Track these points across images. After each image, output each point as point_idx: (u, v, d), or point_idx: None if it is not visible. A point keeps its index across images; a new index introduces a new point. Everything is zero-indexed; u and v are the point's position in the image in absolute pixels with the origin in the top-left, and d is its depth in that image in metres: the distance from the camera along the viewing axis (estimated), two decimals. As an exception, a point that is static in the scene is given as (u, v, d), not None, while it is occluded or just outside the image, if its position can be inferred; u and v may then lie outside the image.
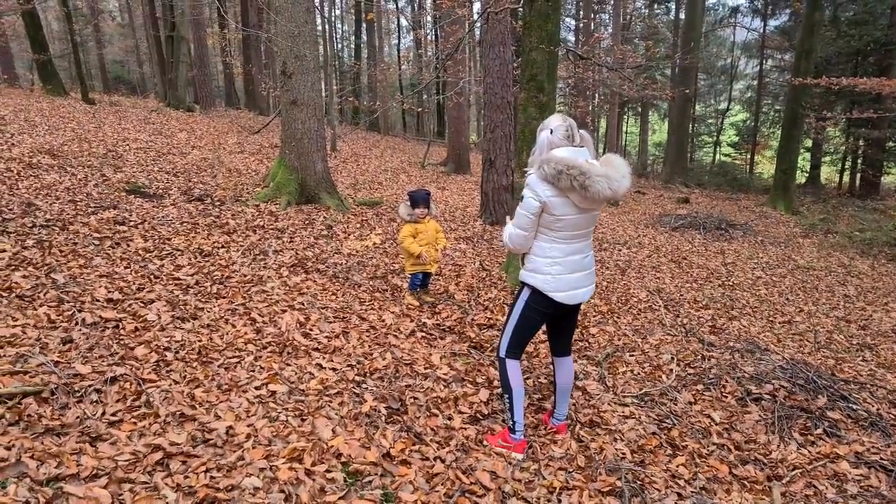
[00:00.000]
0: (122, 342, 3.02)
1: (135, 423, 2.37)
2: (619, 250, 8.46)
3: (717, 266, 8.26)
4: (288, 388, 2.87)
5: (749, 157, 28.40)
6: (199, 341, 3.19)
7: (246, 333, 3.39)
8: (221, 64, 25.61)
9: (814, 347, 4.98)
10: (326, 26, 18.05)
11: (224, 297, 3.87)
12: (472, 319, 4.44)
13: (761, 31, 25.94)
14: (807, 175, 22.09)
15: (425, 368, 3.42)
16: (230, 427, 2.45)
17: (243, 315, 3.65)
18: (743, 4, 26.63)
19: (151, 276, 3.98)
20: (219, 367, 2.97)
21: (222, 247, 4.96)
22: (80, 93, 14.02)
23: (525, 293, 2.75)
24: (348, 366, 3.26)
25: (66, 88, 15.33)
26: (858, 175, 22.25)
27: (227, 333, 3.35)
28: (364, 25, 26.43)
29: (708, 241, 10.15)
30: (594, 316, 5.10)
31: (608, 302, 5.65)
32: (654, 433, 3.02)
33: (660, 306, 5.68)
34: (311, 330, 3.63)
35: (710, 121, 31.94)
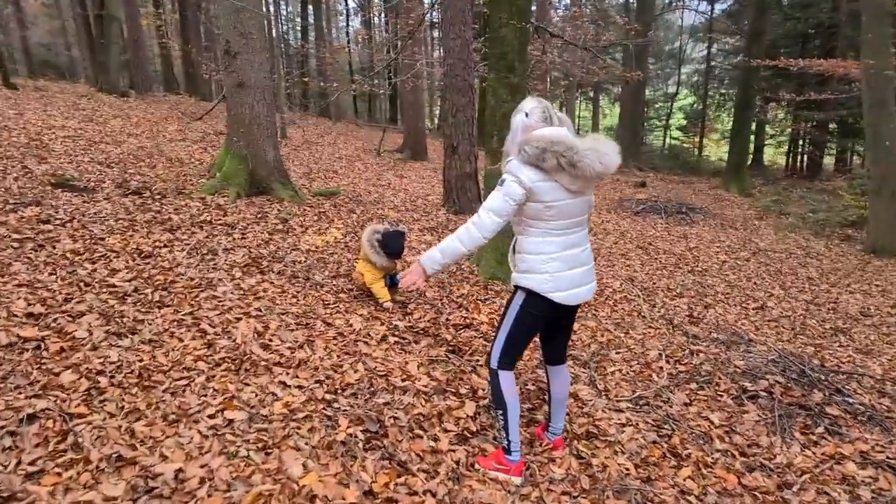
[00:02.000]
0: (44, 367, 2.55)
1: (59, 475, 1.95)
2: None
3: (682, 251, 8.20)
4: (247, 414, 2.48)
5: (698, 139, 29.06)
6: (140, 361, 2.75)
7: (195, 349, 2.96)
8: (158, 47, 24.21)
9: (791, 335, 4.89)
10: (271, 6, 17.18)
11: (168, 306, 3.41)
12: (447, 319, 4.12)
13: (709, 14, 26.35)
14: (751, 157, 22.69)
15: (403, 380, 3.07)
16: (179, 470, 2.05)
17: (192, 326, 3.21)
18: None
19: (81, 284, 3.47)
20: (164, 392, 2.55)
21: (164, 246, 4.45)
22: (1, 77, 12.85)
23: (519, 297, 2.42)
24: (316, 382, 2.88)
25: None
26: (802, 157, 23.06)
27: (174, 349, 2.92)
28: (311, 6, 25.42)
29: (670, 226, 10.13)
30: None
31: (582, 293, 5.43)
32: (654, 442, 2.78)
33: (636, 296, 5.50)
34: (270, 340, 3.23)
35: (657, 105, 32.42)
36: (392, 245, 4.05)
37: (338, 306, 3.98)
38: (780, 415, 3.09)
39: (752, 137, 24.30)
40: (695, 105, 31.26)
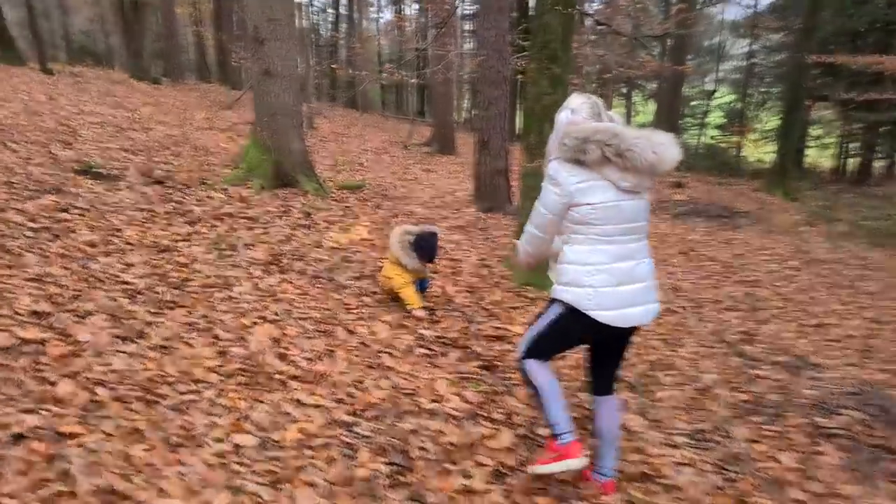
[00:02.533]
0: (40, 375, 2.32)
1: (38, 511, 1.69)
2: (623, 240, 7.88)
3: (728, 258, 7.73)
4: (258, 439, 2.20)
5: (735, 139, 28.09)
6: (146, 370, 2.50)
7: (207, 357, 2.71)
8: (193, 35, 24.32)
9: (858, 358, 4.45)
10: (304, -6, 17.01)
11: (182, 307, 3.17)
12: (478, 330, 3.80)
13: (752, 9, 25.36)
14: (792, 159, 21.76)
15: (431, 401, 2.77)
16: (177, 509, 1.79)
17: (204, 331, 2.96)
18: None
19: (93, 279, 3.25)
20: (168, 408, 2.29)
21: (183, 240, 4.22)
22: (39, 62, 12.90)
23: (555, 310, 2.15)
24: (336, 400, 2.60)
25: (26, 58, 14.17)
26: (849, 160, 22.04)
27: (183, 358, 2.67)
28: (344, -3, 25.28)
29: (713, 230, 9.63)
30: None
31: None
32: (719, 488, 2.43)
33: (682, 308, 5.11)
34: (287, 349, 2.96)
35: (693, 102, 31.43)
36: (426, 247, 3.76)
37: (361, 311, 3.70)
38: (862, 459, 2.71)
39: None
40: (733, 103, 30.20)
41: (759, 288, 6.44)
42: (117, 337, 2.70)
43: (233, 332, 2.99)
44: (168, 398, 2.35)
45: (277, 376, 2.67)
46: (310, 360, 2.91)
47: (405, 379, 2.94)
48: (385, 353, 3.20)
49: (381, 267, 4.10)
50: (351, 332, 3.36)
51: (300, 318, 3.36)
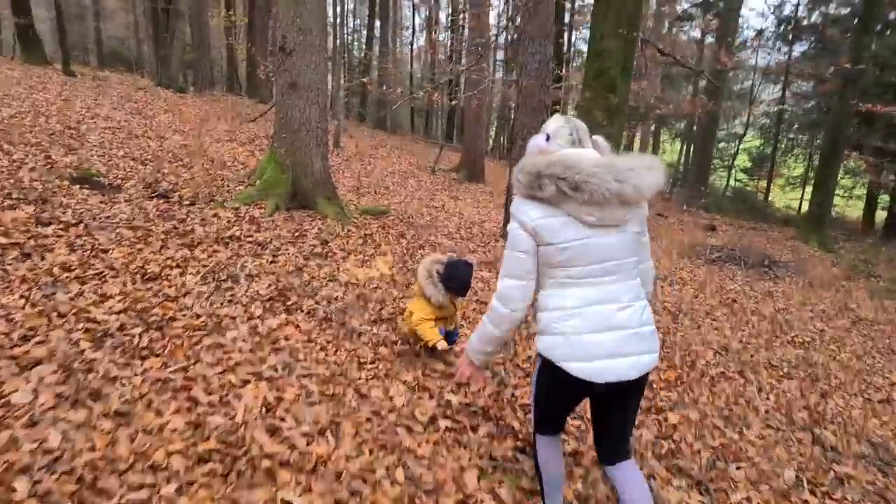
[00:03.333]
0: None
1: None
2: (662, 287, 7.23)
3: (771, 313, 7.03)
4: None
5: (761, 183, 27.42)
6: (90, 450, 1.92)
7: (176, 430, 2.12)
8: (226, 49, 24.36)
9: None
10: (338, 8, 16.80)
11: (157, 356, 2.60)
12: (513, 395, 3.19)
13: (786, 55, 24.79)
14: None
15: (458, 502, 2.16)
16: None
17: (180, 391, 2.38)
18: (768, 29, 25.43)
19: (54, 314, 2.70)
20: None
21: (176, 266, 3.68)
22: (61, 63, 12.72)
23: (538, 365, 1.98)
24: (336, 502, 1.99)
25: (52, 59, 14.06)
26: (873, 211, 21.16)
27: (145, 430, 2.08)
28: (378, 20, 25.20)
29: (751, 280, 8.93)
30: (660, 386, 3.86)
31: (672, 363, 4.41)
32: None
33: (737, 374, 4.44)
34: (282, 421, 2.37)
35: (721, 145, 30.78)
36: (457, 277, 3.13)
37: (376, 367, 3.10)
38: None
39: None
40: (761, 148, 29.75)
41: (812, 351, 5.75)
42: (65, 398, 2.13)
43: (216, 394, 2.41)
44: (110, 498, 1.76)
45: (265, 462, 2.07)
46: (308, 436, 2.31)
47: (426, 467, 2.33)
48: (402, 426, 2.59)
49: (404, 310, 3.50)
50: (363, 397, 2.76)
51: (303, 376, 2.77)
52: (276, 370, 2.74)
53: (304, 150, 5.73)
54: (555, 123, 1.94)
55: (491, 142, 29.73)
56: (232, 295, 3.48)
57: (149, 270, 3.47)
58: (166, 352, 2.62)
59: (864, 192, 21.57)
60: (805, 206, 25.89)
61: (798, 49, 25.45)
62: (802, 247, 13.42)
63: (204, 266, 3.79)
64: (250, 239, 4.58)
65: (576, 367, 1.77)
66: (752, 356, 5.12)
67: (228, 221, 4.90)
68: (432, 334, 3.12)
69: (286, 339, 3.11)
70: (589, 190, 1.70)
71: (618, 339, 1.79)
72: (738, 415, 3.70)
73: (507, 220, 7.46)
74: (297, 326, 3.31)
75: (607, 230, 1.79)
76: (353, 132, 17.35)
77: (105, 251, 3.61)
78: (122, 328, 2.71)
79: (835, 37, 17.97)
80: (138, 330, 2.72)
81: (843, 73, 12.48)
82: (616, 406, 1.95)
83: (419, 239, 6.28)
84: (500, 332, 1.97)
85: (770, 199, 27.24)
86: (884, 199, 20.62)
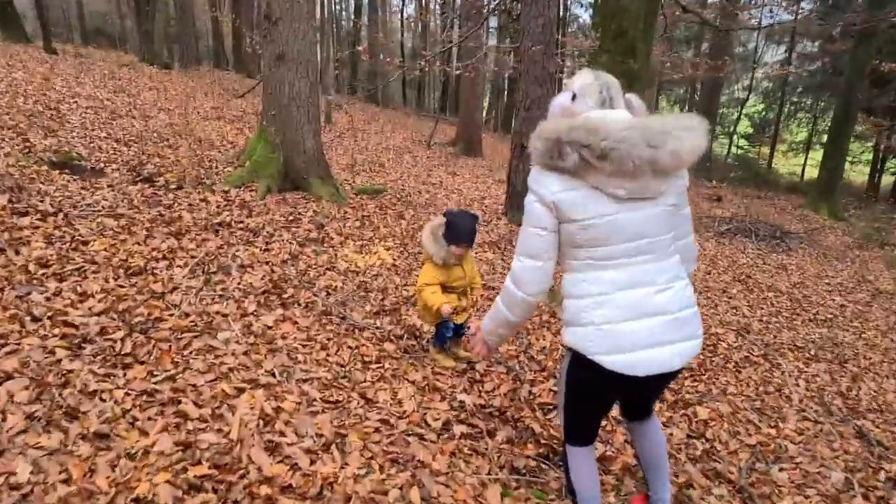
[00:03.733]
0: None
1: None
2: (672, 263, 6.99)
3: (788, 288, 6.81)
4: None
5: (764, 150, 27.08)
6: (63, 482, 1.67)
7: (163, 453, 1.88)
8: (211, 23, 23.61)
9: None
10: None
11: (142, 363, 2.34)
12: (531, 393, 2.96)
13: (792, 15, 24.15)
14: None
15: (481, 527, 1.93)
16: None
17: (168, 404, 2.13)
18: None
19: (28, 319, 2.43)
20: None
21: (163, 258, 3.40)
22: (42, 41, 12.20)
23: (566, 360, 1.77)
24: (346, 535, 1.76)
25: (34, 36, 13.51)
26: (879, 177, 20.88)
27: (127, 454, 1.84)
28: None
29: (763, 253, 8.69)
30: (684, 374, 3.64)
31: (692, 349, 4.19)
32: None
33: (763, 358, 4.23)
34: (282, 435, 2.12)
35: (721, 111, 30.22)
36: (456, 224, 2.79)
37: (382, 367, 2.85)
38: None
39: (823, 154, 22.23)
40: (763, 113, 29.27)
41: (836, 329, 5.54)
42: (36, 418, 1.88)
43: (207, 406, 2.16)
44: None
45: (264, 489, 1.83)
46: (312, 453, 2.07)
47: (443, 484, 2.10)
48: (414, 434, 2.36)
49: (409, 297, 3.23)
50: (369, 402, 2.52)
51: (302, 381, 2.52)
52: (273, 375, 2.49)
53: (294, 126, 5.41)
54: (582, 80, 1.70)
55: (485, 114, 29.17)
56: (223, 289, 3.22)
57: (133, 264, 3.19)
58: (152, 358, 2.36)
59: (870, 157, 21.26)
60: (808, 172, 25.66)
61: (805, 6, 24.78)
62: (812, 216, 13.17)
63: (192, 257, 3.52)
64: (241, 225, 4.30)
65: (610, 361, 1.57)
66: (774, 337, 4.92)
67: (218, 206, 4.61)
68: (435, 298, 2.81)
69: (283, 338, 2.86)
70: (617, 158, 1.46)
71: (656, 327, 1.59)
72: (771, 406, 3.49)
73: (509, 196, 7.19)
74: (295, 323, 3.05)
75: (639, 204, 1.56)
76: (346, 107, 16.88)
77: (85, 243, 3.33)
78: (102, 332, 2.45)
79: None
80: (121, 334, 2.46)
81: (856, 32, 12.04)
82: (651, 394, 1.94)
83: (419, 220, 6.00)
84: (514, 317, 1.81)
85: (773, 165, 26.89)
86: (892, 164, 20.35)
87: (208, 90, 12.10)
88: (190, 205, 4.48)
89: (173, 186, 4.84)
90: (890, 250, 10.44)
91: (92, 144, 5.51)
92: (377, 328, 3.27)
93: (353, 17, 25.34)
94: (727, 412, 3.18)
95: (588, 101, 1.64)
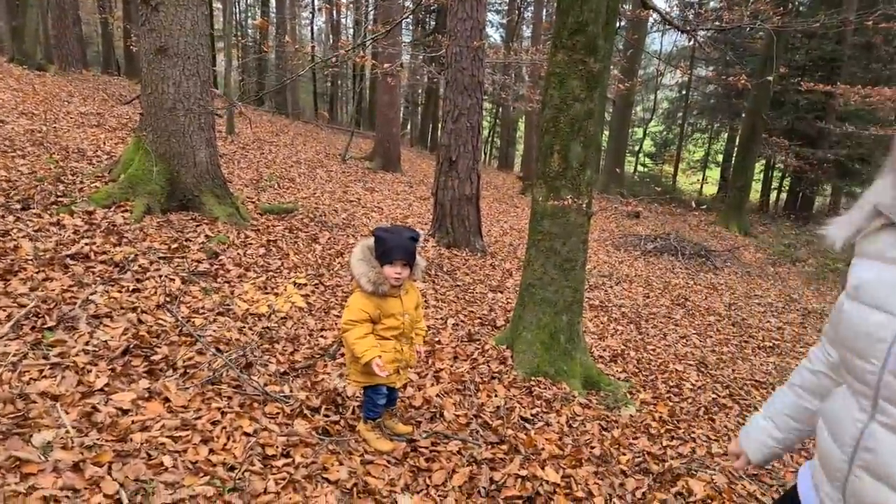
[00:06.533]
0: None
1: None
2: (611, 287, 6.58)
3: (724, 310, 6.59)
4: None
5: (667, 168, 28.52)
6: None
7: None
8: (100, 24, 21.47)
9: None
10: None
11: None
12: (491, 481, 2.23)
13: (690, 40, 25.54)
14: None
15: None
16: None
17: None
18: (674, 13, 26.11)
19: None
20: None
21: (-28, 311, 2.40)
22: None
23: None
24: None
25: None
26: (777, 194, 22.35)
27: None
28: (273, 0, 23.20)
29: (692, 272, 8.56)
30: (659, 429, 3.07)
31: (657, 391, 3.66)
32: None
33: (731, 400, 3.77)
34: None
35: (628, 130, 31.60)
36: (386, 239, 2.10)
37: (291, 463, 2.03)
38: None
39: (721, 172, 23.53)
40: (664, 132, 31.33)
41: (785, 357, 5.28)
42: None
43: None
44: None
45: None
46: None
47: None
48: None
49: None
50: (271, 531, 1.70)
51: (171, 502, 1.66)
52: (118, 499, 1.61)
53: (182, 134, 4.45)
54: None
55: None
56: (61, 354, 2.27)
57: (-86, 324, 2.18)
58: None
59: (761, 175, 22.62)
60: (707, 189, 27.21)
61: (702, 34, 26.24)
62: (724, 232, 13.50)
63: (21, 306, 2.52)
64: (104, 257, 3.30)
65: None
66: (732, 371, 4.51)
67: (76, 232, 3.58)
68: (363, 346, 2.08)
69: (144, 429, 1.97)
70: None
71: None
72: (765, 470, 2.96)
73: (436, 216, 6.52)
74: (166, 401, 2.16)
75: None
76: (251, 116, 15.64)
77: None
78: None
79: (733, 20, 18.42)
80: None
81: (762, 56, 12.53)
82: None
83: (336, 244, 5.18)
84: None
85: (678, 183, 28.30)
86: (780, 181, 21.78)
87: (89, 95, 10.61)
88: (36, 230, 3.42)
89: (17, 207, 3.74)
90: (801, 267, 10.76)
91: None
92: (285, 398, 2.43)
93: (258, 16, 24.02)
94: (723, 484, 2.61)
95: None
